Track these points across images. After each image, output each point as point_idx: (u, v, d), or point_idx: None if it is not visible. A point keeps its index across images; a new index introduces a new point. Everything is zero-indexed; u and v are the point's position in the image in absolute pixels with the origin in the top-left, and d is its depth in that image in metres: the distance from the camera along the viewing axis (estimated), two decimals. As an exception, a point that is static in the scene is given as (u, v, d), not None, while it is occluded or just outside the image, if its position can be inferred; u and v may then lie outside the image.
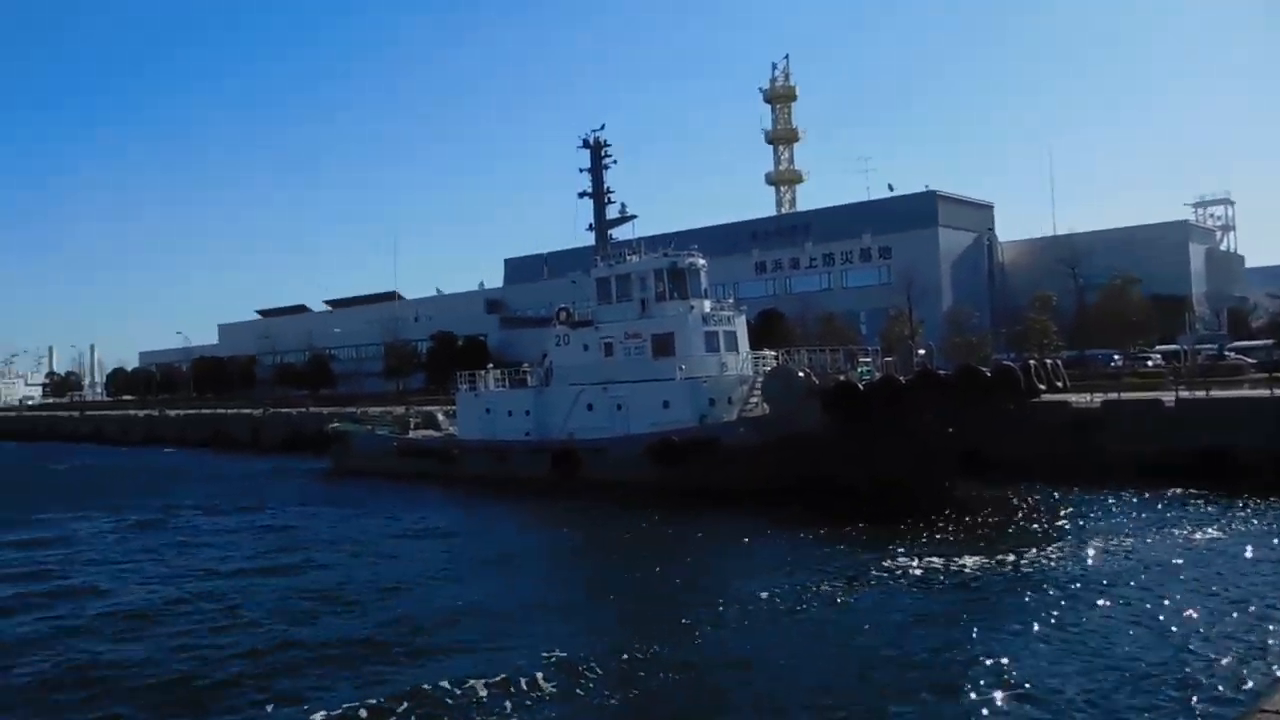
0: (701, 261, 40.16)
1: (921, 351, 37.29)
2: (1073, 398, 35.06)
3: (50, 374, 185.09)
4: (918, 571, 20.10)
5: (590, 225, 43.77)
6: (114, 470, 56.91)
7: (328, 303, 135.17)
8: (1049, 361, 33.39)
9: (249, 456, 61.81)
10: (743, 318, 40.64)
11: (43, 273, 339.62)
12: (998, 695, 12.76)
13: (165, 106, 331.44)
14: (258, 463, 56.26)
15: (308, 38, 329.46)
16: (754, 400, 35.82)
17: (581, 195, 43.87)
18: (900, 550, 21.97)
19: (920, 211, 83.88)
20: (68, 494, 42.86)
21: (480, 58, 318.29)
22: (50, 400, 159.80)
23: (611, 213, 43.56)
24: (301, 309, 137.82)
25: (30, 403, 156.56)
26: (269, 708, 13.30)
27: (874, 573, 20.04)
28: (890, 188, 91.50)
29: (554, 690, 13.41)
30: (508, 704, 12.93)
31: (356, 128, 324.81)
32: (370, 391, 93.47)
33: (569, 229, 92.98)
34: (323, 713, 12.84)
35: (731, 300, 43.06)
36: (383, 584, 21.13)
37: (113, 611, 19.43)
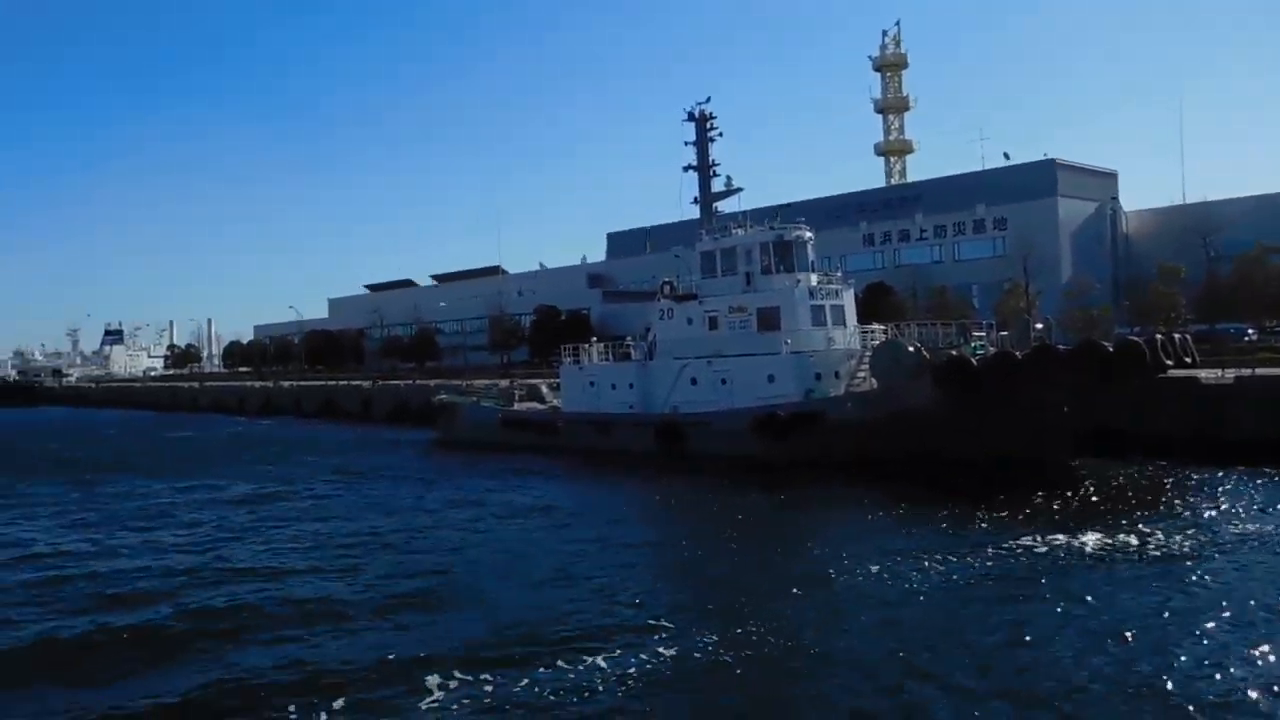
0: (808, 234, 39.85)
1: (1039, 326, 36.27)
2: (1202, 373, 33.68)
3: (171, 346, 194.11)
4: (1041, 549, 19.71)
5: (695, 199, 43.84)
6: (237, 439, 59.48)
7: (434, 277, 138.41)
8: (1177, 335, 32.14)
9: (359, 426, 64.05)
10: (850, 291, 40.26)
11: (163, 248, 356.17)
12: (1110, 689, 12.50)
13: (280, 83, 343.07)
14: (368, 433, 58.23)
15: (412, 18, 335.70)
16: (861, 375, 35.52)
17: (686, 169, 43.97)
18: (1017, 529, 21.58)
19: (1038, 181, 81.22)
20: (201, 460, 45.22)
21: (583, 31, 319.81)
22: (171, 371, 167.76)
23: (717, 186, 43.53)
24: (408, 284, 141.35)
25: (153, 374, 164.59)
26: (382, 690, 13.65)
27: (990, 551, 19.68)
28: (1006, 156, 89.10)
29: (665, 673, 13.47)
30: (616, 686, 12.99)
31: (461, 105, 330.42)
32: (475, 365, 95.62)
33: (673, 203, 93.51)
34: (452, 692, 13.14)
35: (839, 273, 42.63)
36: (496, 556, 21.60)
37: (247, 579, 20.20)
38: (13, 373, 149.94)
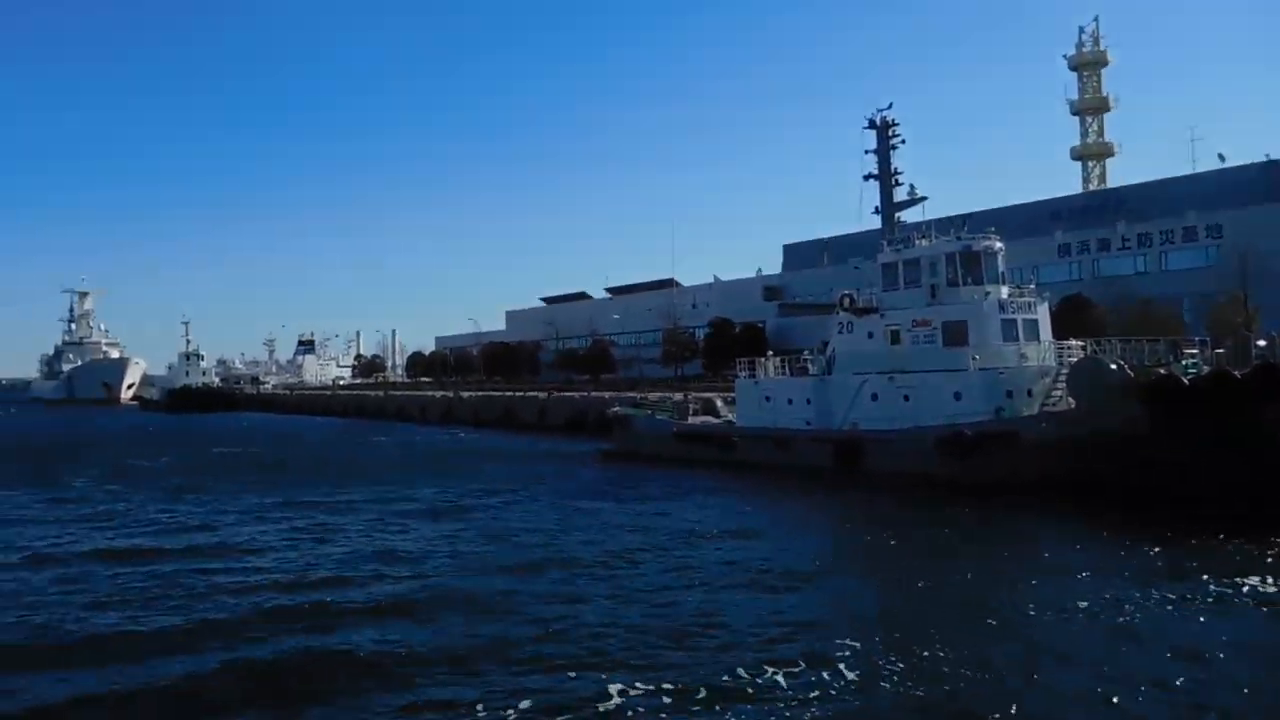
0: (998, 244, 38.46)
1: (1261, 343, 33.55)
2: None
3: (358, 356, 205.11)
4: (1267, 591, 18.26)
5: (876, 208, 43.04)
6: (424, 447, 62.21)
7: (608, 290, 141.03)
8: None
9: (535, 437, 65.91)
10: (1045, 305, 38.61)
11: (354, 263, 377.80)
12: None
13: (474, 110, 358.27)
14: (544, 443, 59.78)
15: (586, 37, 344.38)
16: (1057, 393, 34.01)
17: (867, 178, 43.24)
18: (1239, 567, 20.03)
19: (1258, 184, 75.55)
20: (391, 468, 47.24)
21: (763, 43, 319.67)
22: (358, 380, 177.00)
23: (899, 195, 42.60)
24: (583, 296, 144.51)
25: (341, 383, 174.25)
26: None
27: (1210, 590, 18.32)
28: (1221, 158, 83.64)
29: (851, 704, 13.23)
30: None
31: (636, 120, 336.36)
32: (649, 377, 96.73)
33: (852, 213, 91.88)
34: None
35: (1032, 285, 40.95)
36: (674, 571, 21.53)
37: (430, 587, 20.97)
38: (216, 380, 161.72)
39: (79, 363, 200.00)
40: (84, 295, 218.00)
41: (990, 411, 33.65)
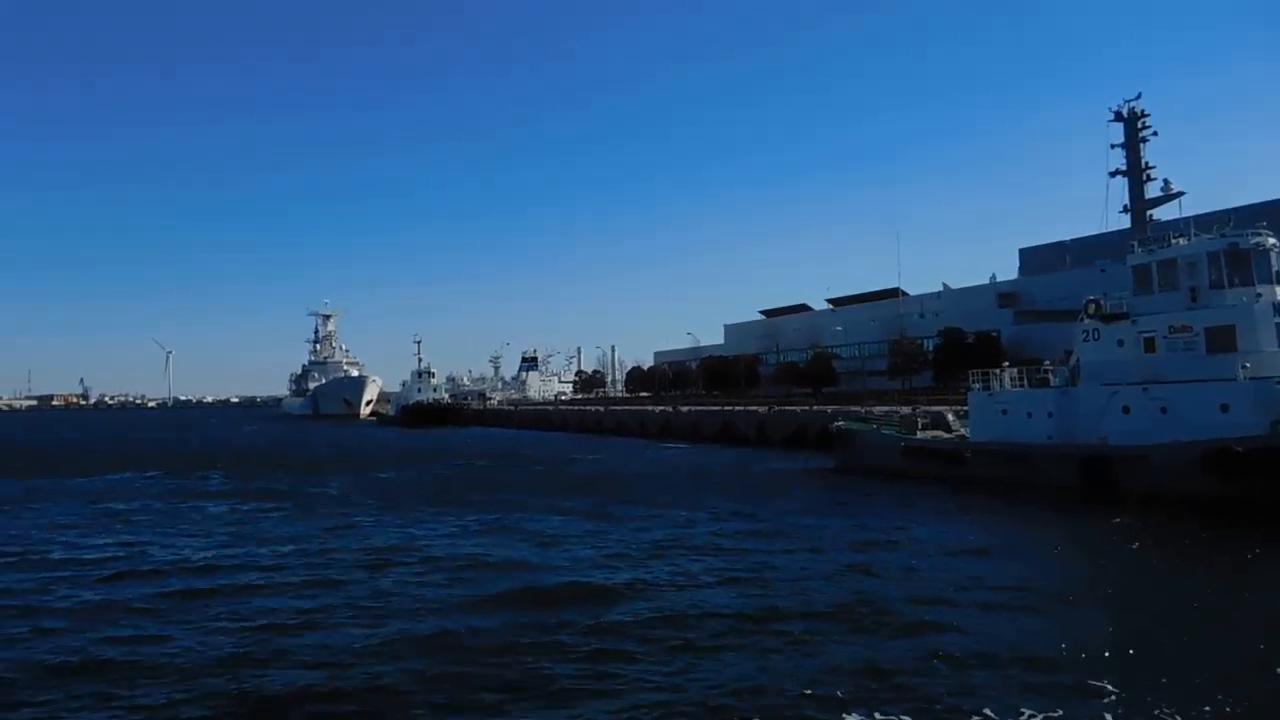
0: (1270, 240, 35.41)
1: None
2: None
3: (579, 372, 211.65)
4: None
5: (1125, 207, 40.60)
6: (648, 462, 63.49)
7: (830, 301, 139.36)
8: None
9: (756, 451, 65.96)
10: (1328, 306, 35.18)
11: (571, 278, 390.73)
12: None
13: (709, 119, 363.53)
14: (766, 458, 59.71)
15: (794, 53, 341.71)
16: (1346, 406, 30.91)
17: (1113, 174, 40.91)
18: None
19: None
20: (629, 484, 48.25)
21: (995, 39, 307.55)
22: (579, 396, 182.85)
23: (1151, 191, 40.03)
24: (803, 308, 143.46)
25: (563, 397, 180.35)
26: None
27: None
28: None
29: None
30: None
31: (861, 130, 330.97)
32: (873, 390, 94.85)
33: (1096, 213, 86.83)
34: None
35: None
36: (912, 601, 20.35)
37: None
38: (446, 396, 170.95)
39: (322, 381, 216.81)
40: (327, 318, 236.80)
41: (1264, 425, 31.00)
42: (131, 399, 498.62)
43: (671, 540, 29.03)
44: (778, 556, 26.21)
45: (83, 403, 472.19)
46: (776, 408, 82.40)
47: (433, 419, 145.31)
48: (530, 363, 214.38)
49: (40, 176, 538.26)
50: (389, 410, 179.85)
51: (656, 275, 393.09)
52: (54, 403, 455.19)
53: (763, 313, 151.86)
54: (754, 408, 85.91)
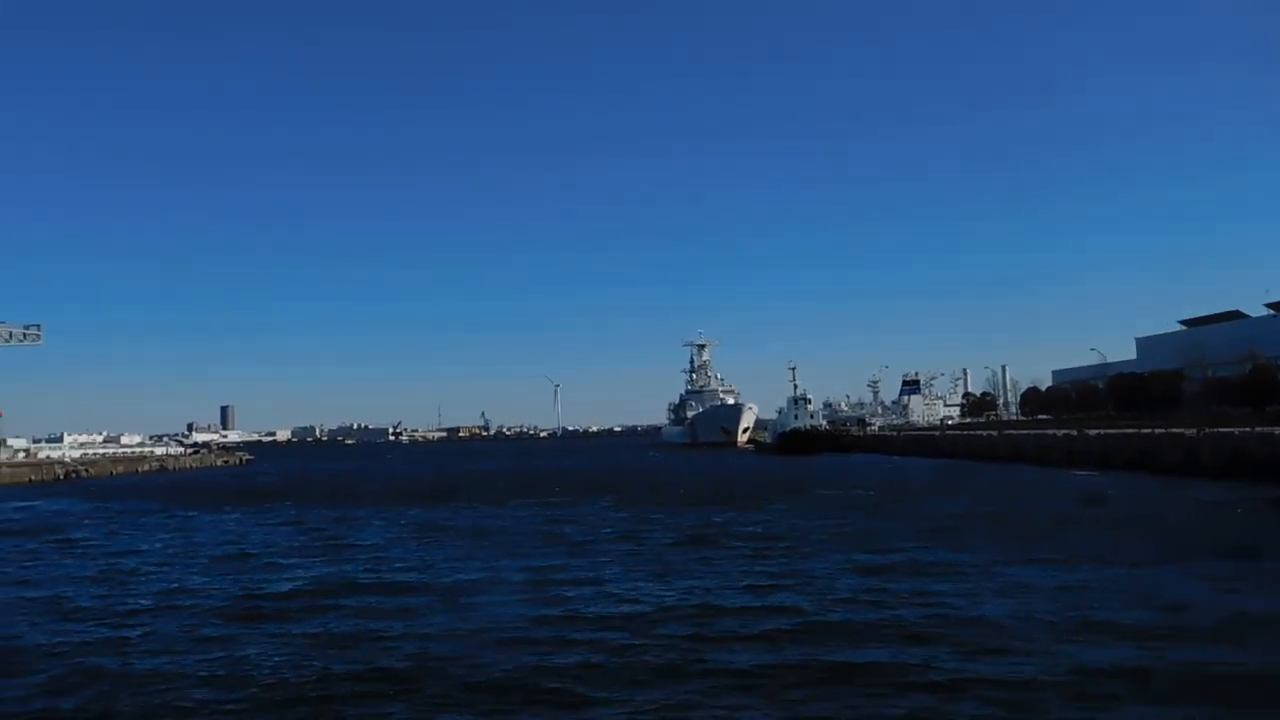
0: None
1: None
2: None
3: (966, 394, 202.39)
4: None
5: None
6: (1047, 495, 58.02)
7: (1269, 306, 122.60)
8: None
9: (1180, 480, 58.06)
10: None
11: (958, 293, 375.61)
12: None
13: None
14: (1200, 489, 52.10)
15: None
16: None
17: None
18: None
19: None
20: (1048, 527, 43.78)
21: None
22: (967, 420, 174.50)
23: None
24: (1235, 315, 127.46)
25: (950, 422, 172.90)
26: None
27: None
28: None
29: None
30: None
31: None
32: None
33: None
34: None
35: None
36: None
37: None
38: (824, 422, 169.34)
39: (700, 409, 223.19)
40: (702, 347, 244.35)
41: None
42: (526, 429, 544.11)
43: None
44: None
45: (484, 433, 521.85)
46: (1207, 430, 72.66)
47: (810, 446, 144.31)
48: (911, 386, 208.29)
49: (445, 253, 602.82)
50: (765, 438, 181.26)
51: (1052, 293, 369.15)
52: (460, 434, 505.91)
53: (1183, 322, 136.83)
54: (1179, 430, 76.47)
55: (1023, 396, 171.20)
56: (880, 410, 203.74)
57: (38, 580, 31.26)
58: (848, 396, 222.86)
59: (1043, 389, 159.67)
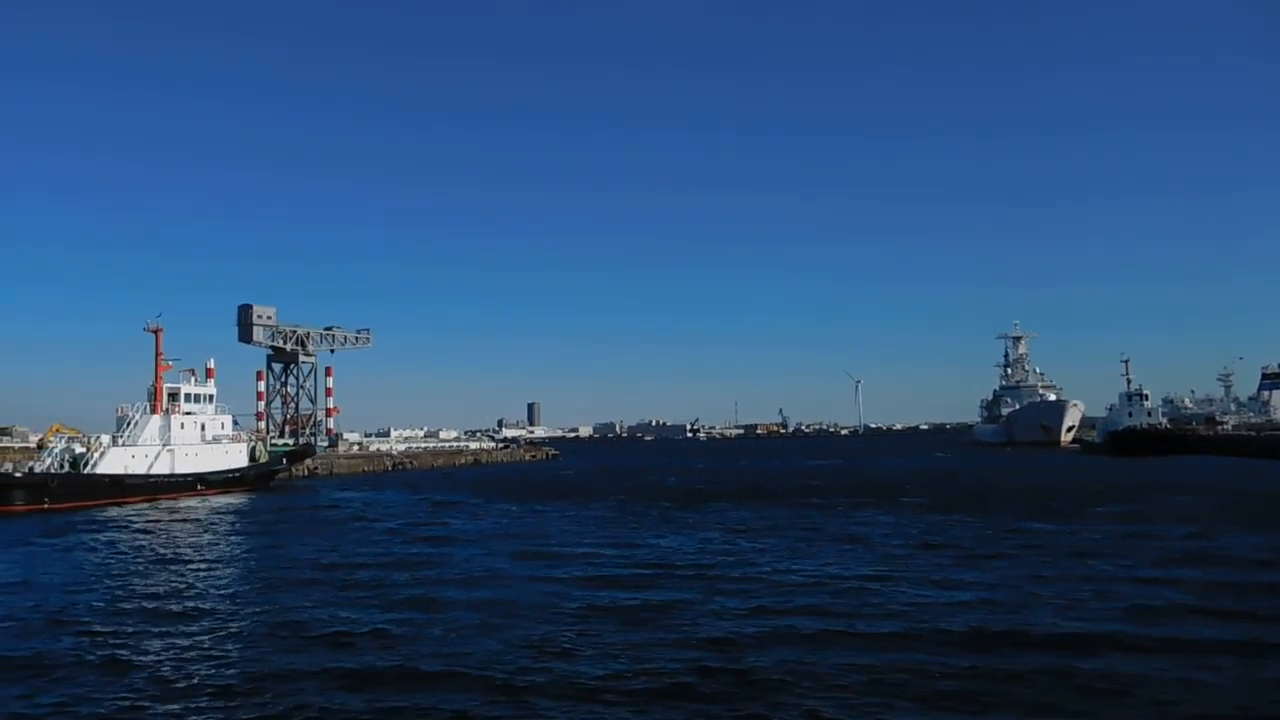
0: None
1: None
2: None
3: None
4: None
5: None
6: None
7: None
8: None
9: None
10: None
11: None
12: None
13: None
14: None
15: None
16: None
17: None
18: None
19: None
20: None
21: None
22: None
23: None
24: None
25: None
26: None
27: None
28: None
29: None
30: None
31: None
32: None
33: None
34: None
35: None
36: None
37: None
38: (1163, 420, 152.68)
39: (1016, 406, 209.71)
40: (1017, 340, 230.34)
41: None
42: (825, 426, 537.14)
43: None
44: None
45: (781, 430, 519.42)
46: None
47: (1147, 447, 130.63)
48: (1273, 379, 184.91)
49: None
50: (1093, 437, 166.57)
51: None
52: (757, 431, 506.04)
53: None
54: None
55: None
56: (1234, 408, 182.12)
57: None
58: (1192, 392, 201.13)
59: None
